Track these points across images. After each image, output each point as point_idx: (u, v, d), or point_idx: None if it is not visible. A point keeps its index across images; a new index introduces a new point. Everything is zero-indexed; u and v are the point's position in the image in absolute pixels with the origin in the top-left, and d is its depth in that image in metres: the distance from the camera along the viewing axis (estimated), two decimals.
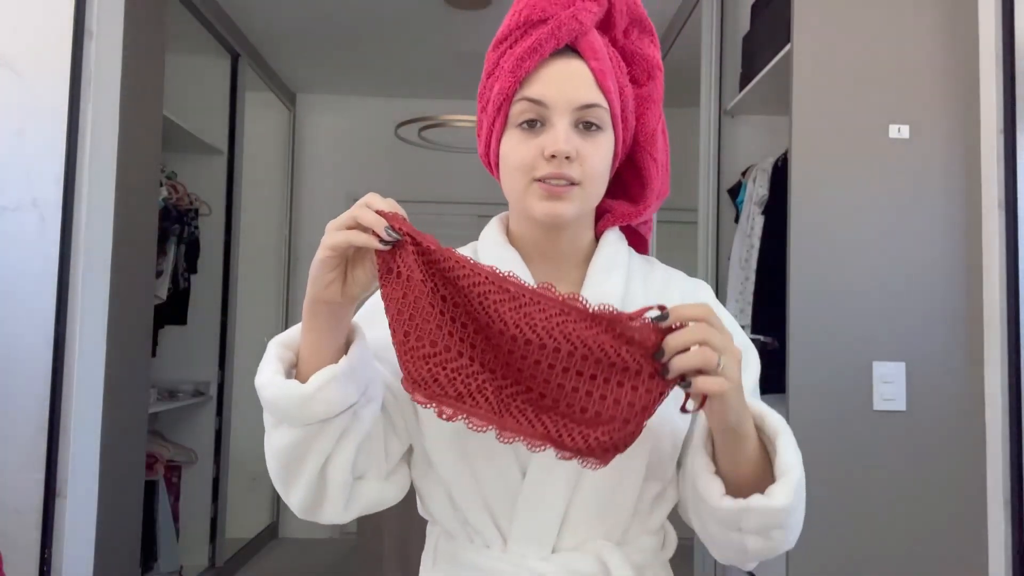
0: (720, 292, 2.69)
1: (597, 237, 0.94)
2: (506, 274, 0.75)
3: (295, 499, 0.83)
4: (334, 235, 0.75)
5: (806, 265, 1.96)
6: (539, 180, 0.83)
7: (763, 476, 0.78)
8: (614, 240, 0.93)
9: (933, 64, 1.98)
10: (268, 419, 0.81)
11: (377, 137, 4.65)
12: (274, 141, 4.58)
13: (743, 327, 2.43)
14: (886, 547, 1.91)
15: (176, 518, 3.42)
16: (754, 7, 2.56)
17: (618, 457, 0.73)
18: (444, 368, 0.73)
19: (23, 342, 1.96)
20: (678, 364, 0.69)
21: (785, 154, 2.30)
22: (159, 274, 3.09)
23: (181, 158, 3.55)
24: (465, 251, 0.96)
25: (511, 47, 0.86)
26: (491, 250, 0.92)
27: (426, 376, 0.73)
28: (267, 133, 4.49)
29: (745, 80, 2.55)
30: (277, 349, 0.80)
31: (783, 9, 2.18)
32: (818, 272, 1.95)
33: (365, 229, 0.74)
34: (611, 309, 0.72)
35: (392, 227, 0.73)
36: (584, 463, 0.73)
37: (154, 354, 3.01)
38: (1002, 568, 1.82)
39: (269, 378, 0.77)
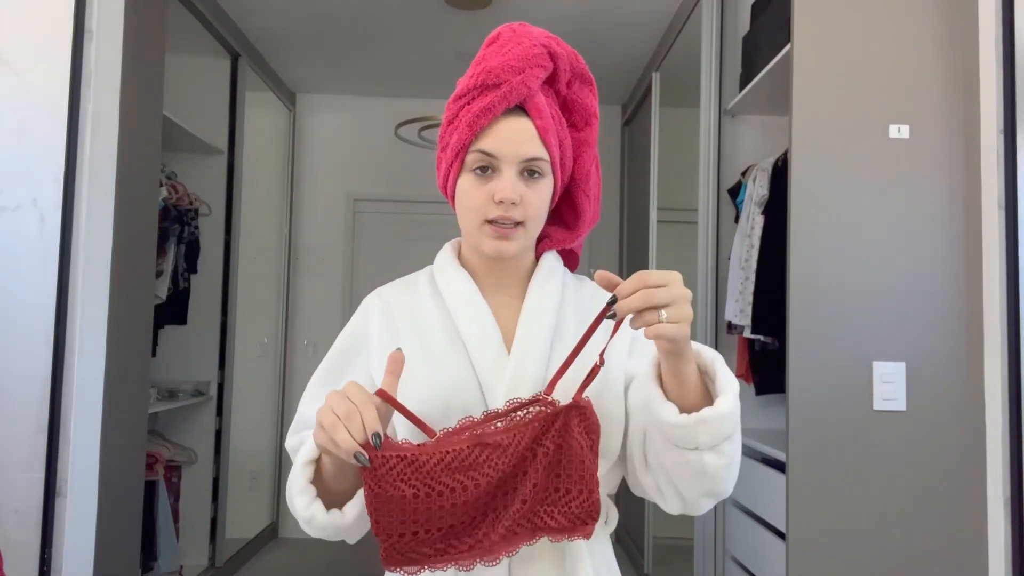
0: (720, 292, 2.69)
1: (537, 257, 1.09)
2: (477, 434, 0.87)
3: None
4: (319, 433, 0.82)
5: (806, 265, 1.96)
6: (489, 221, 0.98)
7: (704, 401, 0.89)
8: (551, 260, 1.08)
9: (933, 64, 1.98)
10: (299, 488, 0.91)
11: (377, 137, 4.65)
12: (274, 141, 4.58)
13: (743, 327, 2.43)
14: (886, 547, 1.91)
15: (176, 518, 3.42)
16: (754, 7, 2.57)
17: None
18: (458, 538, 0.86)
19: (23, 342, 1.96)
20: (636, 325, 0.82)
21: (785, 154, 2.30)
22: (159, 274, 3.09)
23: (181, 158, 3.55)
24: (422, 275, 1.10)
25: (468, 104, 1.00)
26: (446, 272, 1.07)
27: (445, 546, 0.85)
28: (267, 133, 4.49)
29: (745, 80, 2.55)
30: (305, 471, 0.91)
31: (783, 9, 2.18)
32: (818, 272, 1.95)
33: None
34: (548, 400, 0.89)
35: (362, 453, 0.80)
36: (572, 538, 0.89)
37: (154, 354, 3.01)
38: (1002, 568, 1.82)
39: (312, 513, 0.89)
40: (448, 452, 0.84)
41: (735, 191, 2.66)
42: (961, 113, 1.97)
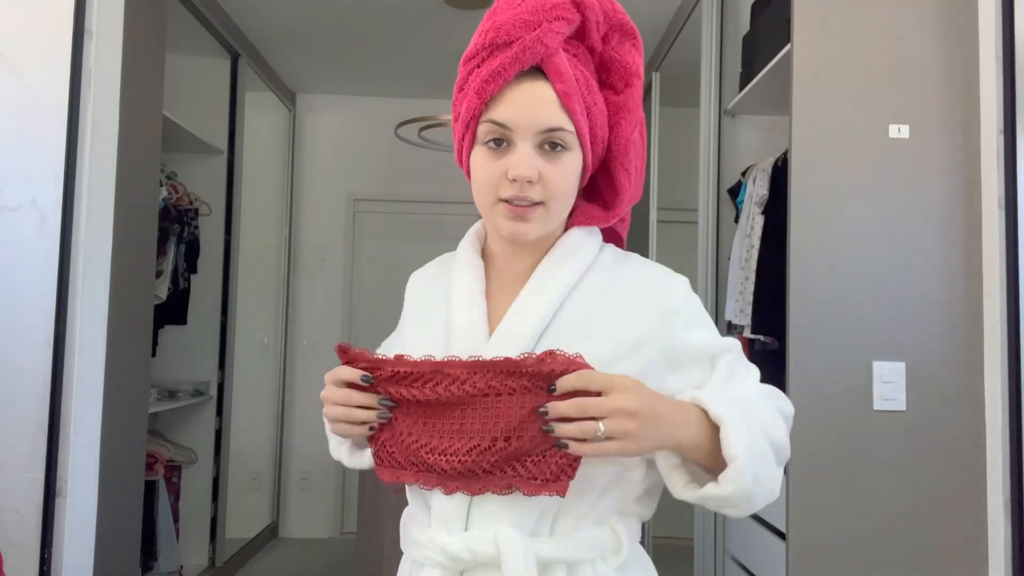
0: (720, 292, 2.69)
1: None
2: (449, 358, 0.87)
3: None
4: (337, 426, 0.92)
5: (806, 265, 1.95)
6: (504, 200, 0.86)
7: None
8: (578, 236, 0.93)
9: (933, 64, 1.98)
10: (337, 442, 1.04)
11: (377, 137, 4.65)
12: (274, 141, 4.58)
13: (743, 327, 2.43)
14: (886, 547, 1.91)
15: (176, 518, 3.42)
16: (754, 7, 2.57)
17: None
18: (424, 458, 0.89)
19: (23, 342, 1.96)
20: (560, 432, 0.78)
21: (785, 154, 2.30)
22: (159, 274, 3.09)
23: (181, 158, 3.55)
24: (443, 259, 1.04)
25: (478, 66, 0.87)
26: (461, 260, 0.97)
27: (417, 461, 0.90)
28: (267, 133, 4.49)
29: (745, 80, 2.55)
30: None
31: (783, 9, 2.18)
32: (818, 272, 1.95)
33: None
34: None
35: (367, 373, 0.88)
36: (549, 492, 0.83)
37: (154, 354, 3.01)
38: (1002, 568, 1.82)
39: (351, 462, 1.02)
40: (409, 368, 0.87)
41: (735, 191, 2.66)
42: (961, 113, 1.96)
